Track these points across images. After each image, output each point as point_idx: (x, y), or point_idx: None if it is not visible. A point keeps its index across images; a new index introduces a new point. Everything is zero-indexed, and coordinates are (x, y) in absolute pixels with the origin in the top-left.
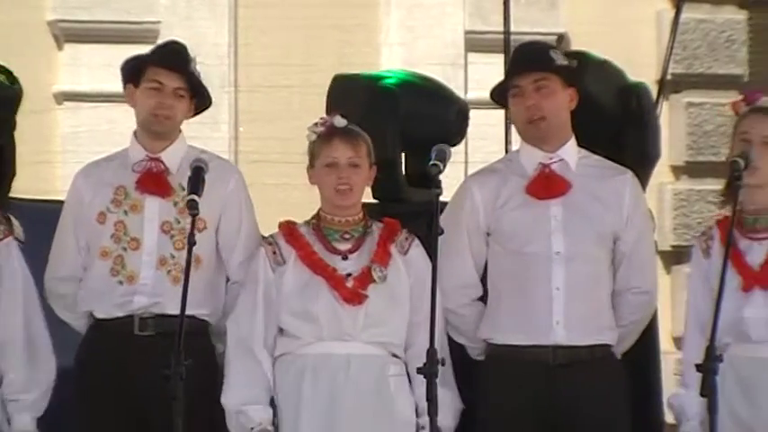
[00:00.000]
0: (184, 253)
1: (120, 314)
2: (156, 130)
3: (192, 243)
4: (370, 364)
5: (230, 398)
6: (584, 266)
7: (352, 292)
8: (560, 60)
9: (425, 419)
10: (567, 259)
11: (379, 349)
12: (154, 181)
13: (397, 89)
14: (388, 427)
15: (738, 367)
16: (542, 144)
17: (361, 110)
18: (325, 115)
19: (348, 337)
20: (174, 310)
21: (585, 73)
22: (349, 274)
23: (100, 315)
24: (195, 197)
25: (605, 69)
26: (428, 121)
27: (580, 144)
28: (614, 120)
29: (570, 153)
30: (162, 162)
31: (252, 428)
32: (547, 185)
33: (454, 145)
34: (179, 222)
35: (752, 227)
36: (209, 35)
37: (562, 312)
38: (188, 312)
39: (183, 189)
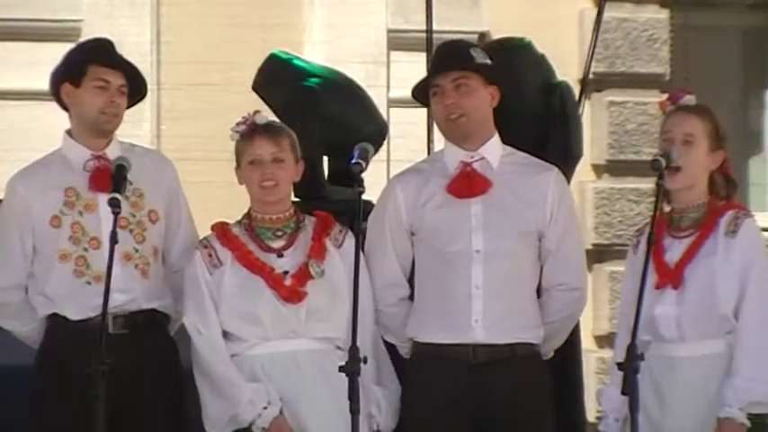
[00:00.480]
0: (147, 245)
1: (93, 314)
2: (105, 128)
3: (114, 241)
4: (319, 359)
5: (245, 411)
6: (504, 264)
7: (292, 291)
8: (481, 59)
9: (376, 410)
10: (487, 257)
11: (324, 344)
12: (105, 178)
13: (320, 90)
14: (345, 418)
15: (651, 366)
16: (463, 142)
17: (283, 104)
18: (246, 114)
19: (293, 334)
20: (147, 304)
21: (516, 66)
22: (286, 272)
23: (74, 317)
24: (118, 195)
25: (534, 65)
26: (347, 127)
27: (507, 141)
28: (539, 117)
29: (492, 151)
30: (107, 159)
31: (265, 407)
32: (467, 184)
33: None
34: (134, 216)
35: (677, 225)
36: (132, 33)
37: (481, 311)
38: (150, 306)
39: (131, 183)
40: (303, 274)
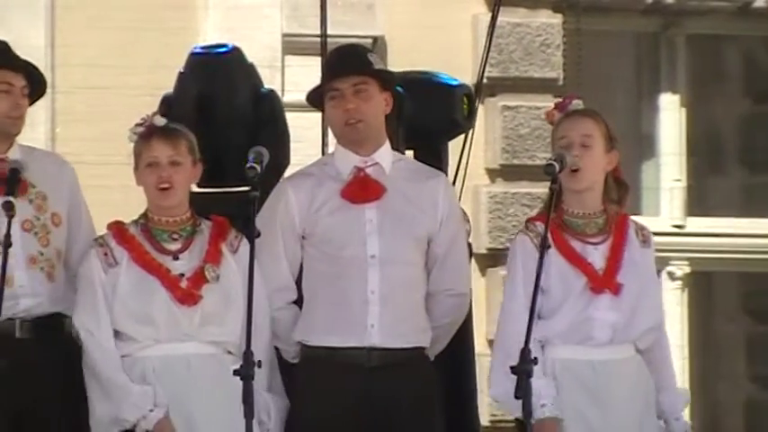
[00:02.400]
0: (52, 248)
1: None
2: (11, 131)
3: (7, 245)
4: (211, 364)
5: (129, 412)
6: (399, 270)
7: (187, 293)
8: (378, 64)
9: (266, 417)
10: (383, 263)
11: (216, 348)
12: (3, 182)
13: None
14: (238, 423)
15: (576, 369)
16: (358, 148)
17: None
18: (145, 115)
19: (186, 337)
20: (53, 308)
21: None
22: (182, 275)
23: None
24: (12, 199)
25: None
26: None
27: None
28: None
29: (385, 157)
30: (7, 162)
31: (150, 410)
32: (362, 189)
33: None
34: (39, 219)
35: (582, 231)
36: (26, 36)
37: (377, 315)
38: (55, 309)
39: (34, 186)
40: (199, 278)
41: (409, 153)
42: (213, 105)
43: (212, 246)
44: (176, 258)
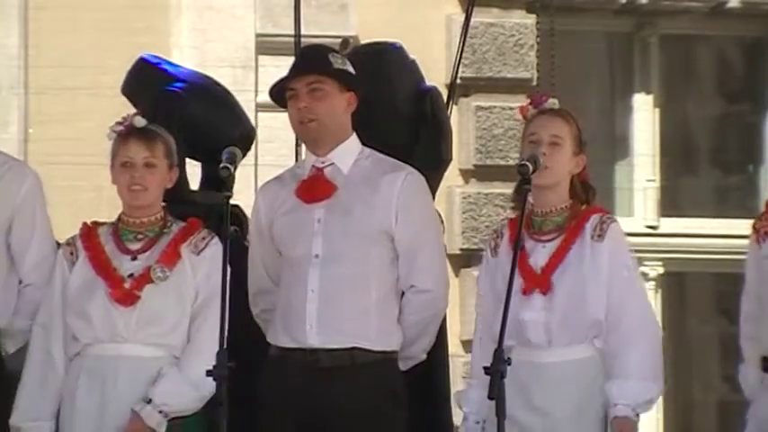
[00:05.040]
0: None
1: None
2: None
3: None
4: (144, 367)
5: (15, 415)
6: (344, 269)
7: (125, 293)
8: (339, 64)
9: None
10: (325, 262)
11: (157, 350)
12: None
13: (183, 94)
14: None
15: (518, 371)
16: (315, 147)
17: (148, 108)
18: (125, 114)
19: (121, 338)
20: None
21: (387, 69)
22: (131, 275)
23: None
24: None
25: (405, 69)
26: (212, 132)
27: (368, 144)
28: (410, 121)
29: (344, 156)
30: None
31: (35, 420)
32: (312, 189)
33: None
34: None
35: (539, 228)
36: None
37: (315, 316)
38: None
39: None
40: (143, 278)
41: None
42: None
43: (170, 247)
44: (134, 258)
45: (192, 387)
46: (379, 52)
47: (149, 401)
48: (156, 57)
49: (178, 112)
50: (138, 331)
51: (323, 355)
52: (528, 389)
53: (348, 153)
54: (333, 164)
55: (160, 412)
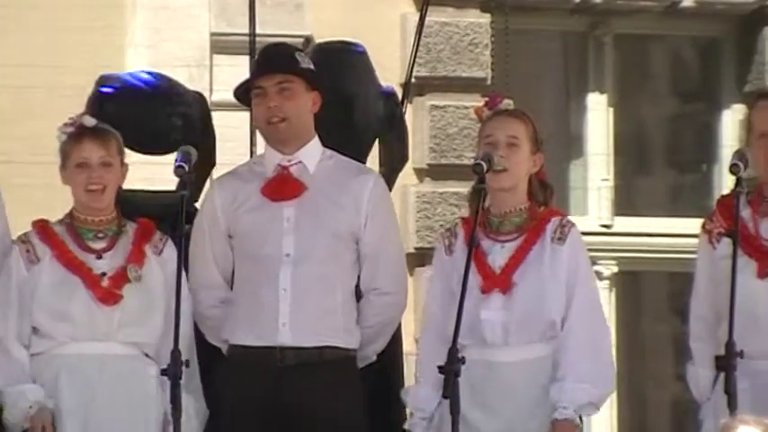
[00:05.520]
0: None
1: None
2: None
3: None
4: (126, 365)
5: None
6: (315, 268)
7: (107, 292)
8: (305, 63)
9: (185, 416)
10: (297, 261)
11: (134, 350)
12: None
13: (115, 93)
14: (143, 427)
15: (472, 370)
16: (282, 146)
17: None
18: (73, 115)
19: (103, 337)
20: None
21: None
22: (104, 274)
23: None
24: None
25: (365, 70)
26: (145, 128)
27: (327, 145)
28: (375, 121)
29: (310, 155)
30: None
31: (30, 407)
32: (280, 187)
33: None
34: None
35: (496, 228)
36: None
37: (288, 314)
38: None
39: None
40: (120, 277)
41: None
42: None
43: (136, 246)
44: (100, 257)
45: None
46: (341, 53)
47: None
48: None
49: (106, 113)
50: (118, 330)
51: (292, 353)
52: (481, 388)
53: (313, 152)
54: (300, 162)
55: None
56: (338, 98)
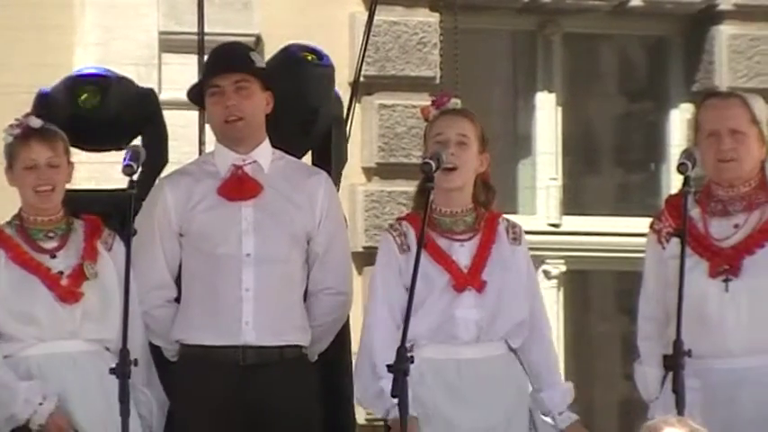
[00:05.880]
0: None
1: None
2: None
3: None
4: (95, 361)
5: None
6: (275, 268)
7: (68, 291)
8: (260, 63)
9: (147, 412)
10: (258, 261)
11: (97, 346)
12: None
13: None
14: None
15: (441, 368)
16: (237, 145)
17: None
18: (20, 116)
19: (69, 335)
20: None
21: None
22: (62, 273)
23: None
24: None
25: (330, 82)
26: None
27: (275, 145)
28: (324, 121)
29: (263, 155)
30: None
31: (40, 404)
32: (238, 187)
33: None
34: None
35: (449, 228)
36: None
37: (252, 313)
38: None
39: None
40: (78, 275)
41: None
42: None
43: (88, 243)
44: (54, 257)
45: None
46: (289, 54)
47: None
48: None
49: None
50: (81, 327)
51: (254, 352)
52: (456, 385)
53: (266, 152)
54: (255, 162)
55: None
56: (301, 109)
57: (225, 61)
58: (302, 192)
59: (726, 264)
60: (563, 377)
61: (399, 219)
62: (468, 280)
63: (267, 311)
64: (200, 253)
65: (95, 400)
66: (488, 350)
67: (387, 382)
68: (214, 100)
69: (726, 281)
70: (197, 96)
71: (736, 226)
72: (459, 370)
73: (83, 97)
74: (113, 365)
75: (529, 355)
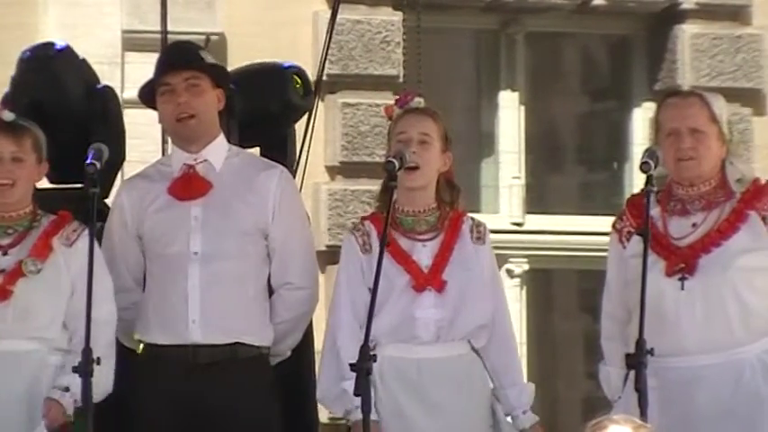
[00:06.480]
0: None
1: None
2: None
3: None
4: (26, 361)
5: None
6: (225, 266)
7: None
8: (210, 60)
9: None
10: (206, 259)
11: (35, 344)
12: None
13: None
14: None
15: (402, 368)
16: (189, 144)
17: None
18: None
19: (4, 334)
20: None
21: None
22: (3, 270)
23: None
24: None
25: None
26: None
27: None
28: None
29: (216, 153)
30: None
31: None
32: (187, 186)
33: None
34: None
35: (411, 228)
36: None
37: (198, 312)
38: None
39: None
40: (15, 273)
41: (255, 151)
42: (45, 108)
43: (41, 240)
44: (5, 254)
45: None
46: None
47: (66, 389)
48: None
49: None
50: (14, 326)
51: (204, 351)
52: (417, 384)
53: (219, 150)
54: (206, 161)
55: (75, 401)
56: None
57: (174, 59)
58: (254, 187)
59: (682, 262)
60: (525, 376)
61: (363, 218)
62: (429, 280)
63: (215, 310)
64: (155, 253)
65: (11, 402)
66: (449, 350)
67: (350, 383)
68: (165, 98)
69: (681, 279)
70: (148, 96)
71: (694, 225)
72: (419, 370)
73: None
74: (55, 363)
75: (491, 354)
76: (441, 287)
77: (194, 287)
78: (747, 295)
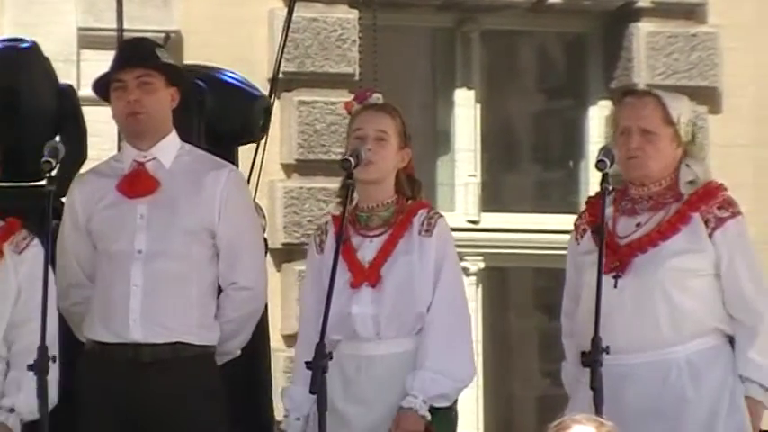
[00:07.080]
0: None
1: None
2: None
3: None
4: None
5: None
6: (168, 264)
7: None
8: (166, 58)
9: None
10: (149, 257)
11: None
12: None
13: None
14: None
15: (344, 365)
16: (139, 141)
17: None
18: None
19: None
20: None
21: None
22: None
23: None
24: None
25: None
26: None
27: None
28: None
29: (166, 151)
30: None
31: None
32: (134, 184)
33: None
34: None
35: (365, 224)
36: None
37: (139, 310)
38: None
39: None
40: None
41: None
42: (15, 100)
43: None
44: None
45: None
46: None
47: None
48: None
49: None
50: None
51: (145, 350)
52: (354, 381)
53: (170, 148)
54: (155, 158)
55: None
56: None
57: (128, 56)
58: (202, 187)
59: (617, 260)
60: (481, 375)
61: (333, 216)
62: (365, 276)
63: (156, 308)
64: (102, 250)
65: None
66: (390, 347)
67: (297, 383)
68: (117, 95)
69: (615, 277)
70: (102, 89)
71: (638, 225)
72: (358, 366)
73: None
74: (30, 363)
75: (421, 339)
76: (375, 282)
77: (136, 286)
78: (678, 296)
